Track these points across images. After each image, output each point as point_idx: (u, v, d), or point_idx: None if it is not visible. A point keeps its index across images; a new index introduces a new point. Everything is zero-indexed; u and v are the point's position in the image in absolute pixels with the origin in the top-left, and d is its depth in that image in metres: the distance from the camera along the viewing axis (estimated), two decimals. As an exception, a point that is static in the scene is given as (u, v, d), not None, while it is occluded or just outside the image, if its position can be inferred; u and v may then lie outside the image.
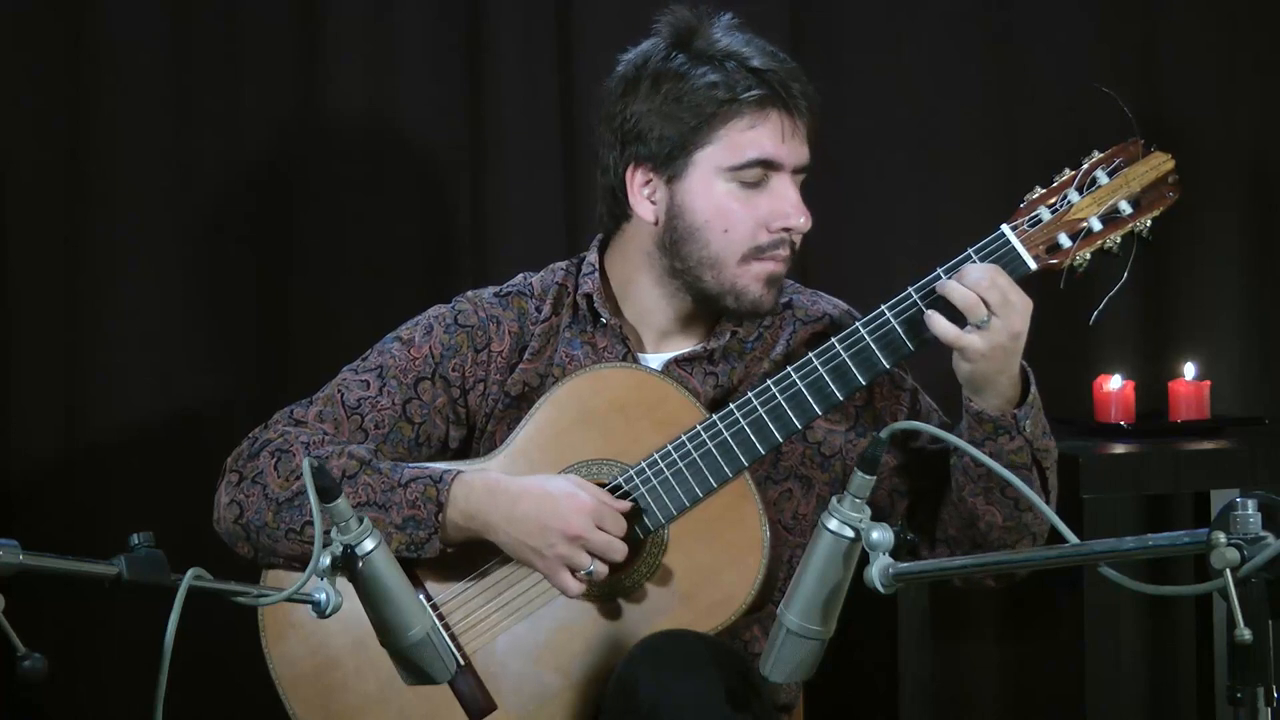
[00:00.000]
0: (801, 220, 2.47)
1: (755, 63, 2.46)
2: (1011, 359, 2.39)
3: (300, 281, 3.34)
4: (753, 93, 2.44)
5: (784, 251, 2.49)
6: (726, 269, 2.48)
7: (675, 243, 2.49)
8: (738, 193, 2.47)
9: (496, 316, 2.57)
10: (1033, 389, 2.44)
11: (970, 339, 2.36)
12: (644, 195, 2.51)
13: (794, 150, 2.48)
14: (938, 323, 2.38)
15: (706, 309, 2.53)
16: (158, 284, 3.29)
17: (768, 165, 2.46)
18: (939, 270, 2.42)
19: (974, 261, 2.42)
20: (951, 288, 2.38)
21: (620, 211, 2.54)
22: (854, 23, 3.53)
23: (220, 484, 2.51)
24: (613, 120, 2.51)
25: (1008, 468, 2.41)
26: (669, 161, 2.48)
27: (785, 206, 2.47)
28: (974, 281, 2.37)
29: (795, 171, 2.49)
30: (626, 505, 2.43)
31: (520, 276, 2.63)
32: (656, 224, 2.51)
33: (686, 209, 2.48)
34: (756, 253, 2.48)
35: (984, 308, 2.36)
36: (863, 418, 2.56)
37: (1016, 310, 2.37)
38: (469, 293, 2.61)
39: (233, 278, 3.32)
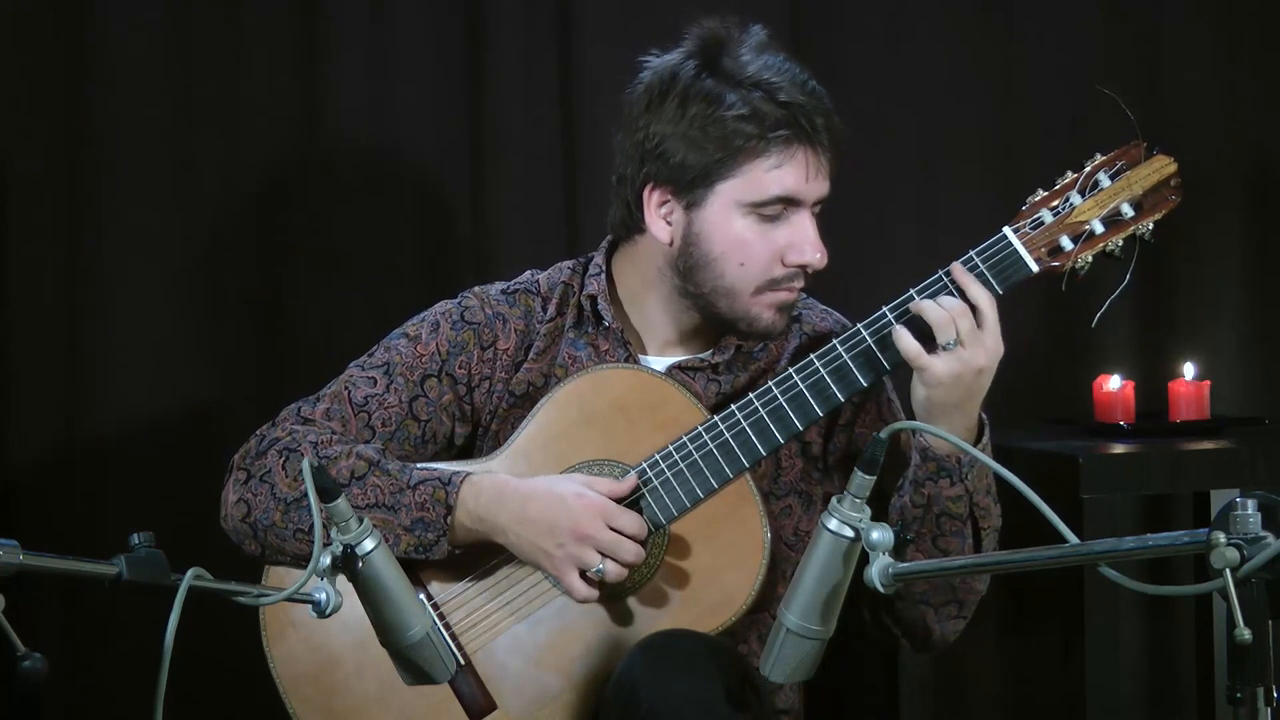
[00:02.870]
0: (817, 257, 2.46)
1: (783, 96, 2.43)
2: (970, 396, 2.38)
3: (300, 281, 3.33)
4: (780, 132, 2.42)
5: (798, 283, 2.48)
6: (740, 299, 2.47)
7: (689, 268, 2.49)
8: (756, 226, 2.45)
9: (503, 314, 2.57)
10: (985, 440, 2.43)
11: (929, 360, 2.36)
12: (660, 215, 2.50)
13: (816, 186, 2.46)
14: (902, 337, 2.38)
15: (714, 325, 2.53)
16: (157, 283, 3.29)
17: (789, 202, 2.45)
18: (940, 273, 2.42)
19: (976, 262, 2.43)
20: (926, 305, 2.38)
21: (634, 223, 2.52)
22: (853, 23, 3.52)
23: (227, 481, 2.51)
24: (635, 133, 2.49)
25: (941, 515, 2.42)
26: (689, 188, 2.46)
27: (802, 243, 2.46)
28: (950, 304, 2.37)
29: (815, 203, 2.48)
30: (632, 483, 2.42)
31: (527, 274, 2.63)
32: (671, 245, 2.50)
33: (703, 238, 2.47)
34: (771, 285, 2.47)
35: (953, 330, 2.36)
36: (838, 436, 2.56)
37: (984, 346, 2.37)
38: (476, 288, 2.60)
39: (232, 277, 3.32)
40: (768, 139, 2.42)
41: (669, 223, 2.49)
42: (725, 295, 2.48)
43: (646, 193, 2.49)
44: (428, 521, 2.42)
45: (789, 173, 2.44)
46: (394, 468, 2.45)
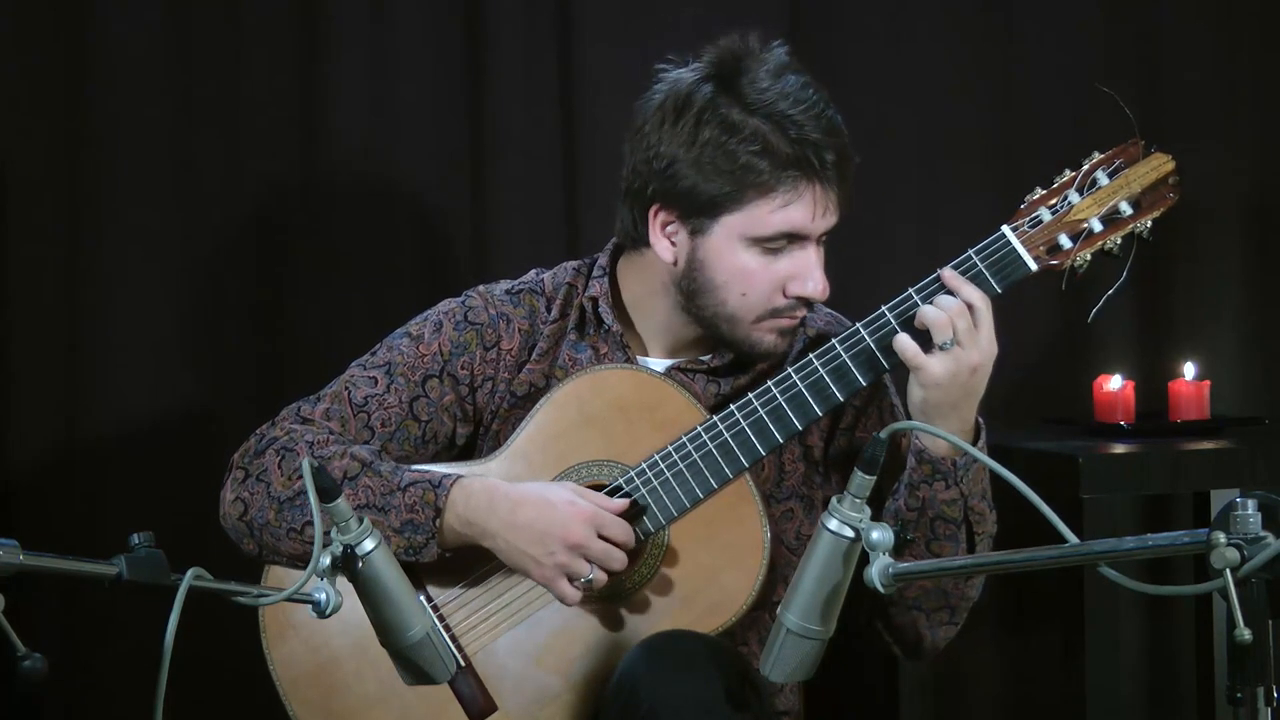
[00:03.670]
0: (818, 290, 2.45)
1: (794, 132, 2.41)
2: (966, 397, 2.38)
3: (300, 281, 3.33)
4: (789, 172, 2.41)
5: (800, 312, 2.48)
6: (741, 326, 2.47)
7: (693, 291, 2.48)
8: (759, 258, 2.44)
9: (507, 314, 2.56)
10: (981, 442, 2.43)
11: (926, 360, 2.36)
12: (665, 235, 2.48)
13: (822, 223, 2.45)
14: (901, 340, 2.39)
15: (716, 336, 2.53)
16: (158, 283, 3.29)
17: (793, 237, 2.45)
18: (939, 271, 2.42)
19: (975, 261, 2.43)
20: (925, 309, 2.39)
21: (639, 236, 2.51)
22: (853, 23, 3.52)
23: (226, 480, 2.51)
24: (646, 149, 2.47)
25: (936, 519, 2.41)
26: (695, 215, 2.45)
27: (804, 276, 2.45)
28: (948, 304, 2.37)
29: (821, 236, 2.47)
30: (624, 504, 2.42)
31: (532, 273, 2.62)
32: (675, 265, 2.49)
33: (707, 265, 2.46)
34: (773, 314, 2.47)
35: (950, 330, 2.36)
36: (839, 440, 2.56)
37: (980, 345, 2.37)
38: (480, 287, 2.60)
39: (232, 277, 3.32)
40: (777, 177, 2.42)
41: (673, 243, 2.48)
42: (727, 321, 2.48)
43: (652, 212, 2.48)
44: (417, 524, 2.42)
45: (795, 211, 2.43)
46: (386, 469, 2.45)
